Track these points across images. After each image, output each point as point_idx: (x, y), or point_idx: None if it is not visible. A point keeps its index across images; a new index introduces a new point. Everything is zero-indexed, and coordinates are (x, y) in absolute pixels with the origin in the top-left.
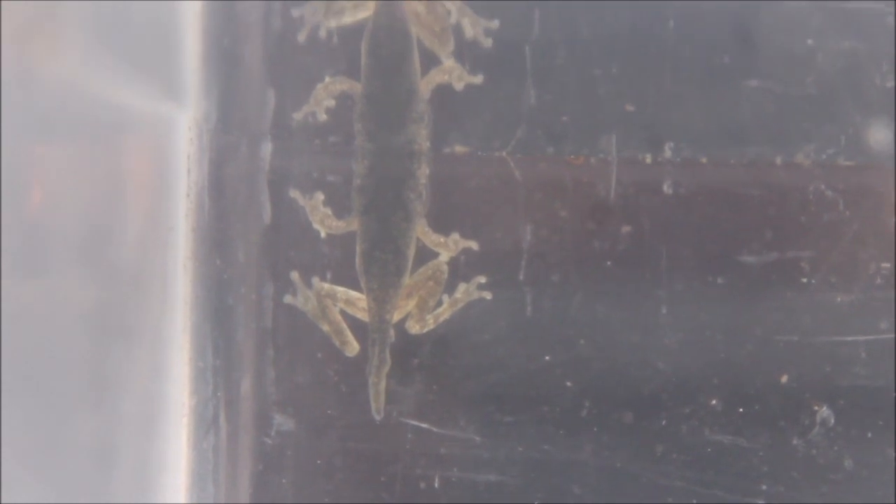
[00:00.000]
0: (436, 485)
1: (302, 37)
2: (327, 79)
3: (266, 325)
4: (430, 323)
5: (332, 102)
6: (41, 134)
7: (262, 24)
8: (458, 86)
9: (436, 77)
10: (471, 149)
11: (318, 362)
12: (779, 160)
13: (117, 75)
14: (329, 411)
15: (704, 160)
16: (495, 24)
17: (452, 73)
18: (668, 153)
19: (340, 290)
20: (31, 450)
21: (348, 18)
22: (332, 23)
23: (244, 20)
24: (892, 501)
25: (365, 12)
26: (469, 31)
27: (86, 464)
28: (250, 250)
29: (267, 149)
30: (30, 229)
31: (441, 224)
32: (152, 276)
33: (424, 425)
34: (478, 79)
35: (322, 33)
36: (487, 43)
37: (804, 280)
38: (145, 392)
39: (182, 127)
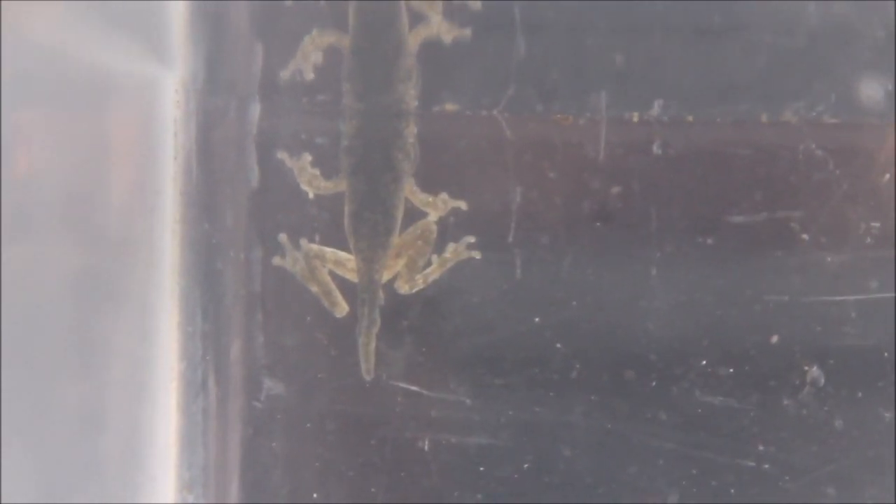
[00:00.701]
0: (426, 447)
1: None
2: (315, 31)
3: (255, 288)
4: (420, 283)
5: (319, 57)
6: (25, 98)
7: None
8: (447, 39)
9: (423, 31)
10: (460, 107)
11: (307, 325)
12: (767, 118)
13: (102, 37)
14: (319, 374)
15: (691, 119)
16: None
17: (440, 26)
18: (656, 111)
19: (329, 251)
20: (21, 415)
21: None
22: None
23: None
24: (887, 461)
25: None
26: None
27: (75, 428)
28: (238, 213)
29: (255, 110)
30: (15, 194)
31: (429, 184)
32: (140, 241)
33: (414, 388)
34: (466, 32)
35: None
36: (476, 6)
37: (794, 240)
38: (134, 356)
39: (168, 89)
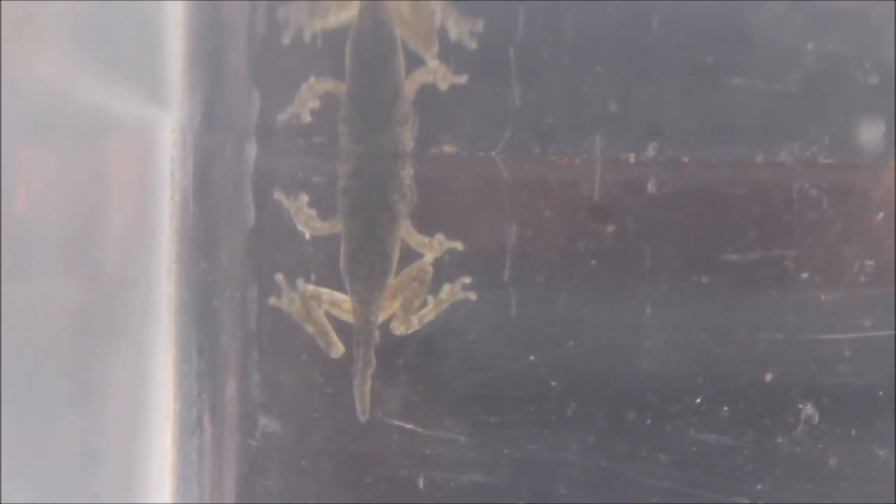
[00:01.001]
0: (421, 485)
1: (286, 38)
2: (312, 79)
3: (251, 327)
4: (415, 324)
5: (316, 103)
6: (25, 137)
7: (247, 26)
8: (443, 85)
9: (420, 77)
10: (458, 149)
11: (302, 364)
12: (763, 159)
13: (100, 77)
14: (314, 413)
15: (687, 160)
16: (480, 25)
17: (437, 72)
18: (651, 153)
19: (325, 291)
20: (17, 452)
21: (333, 19)
22: (317, 24)
23: (228, 21)
24: (882, 499)
25: (349, 13)
26: (454, 32)
27: (71, 465)
28: (235, 252)
29: (251, 150)
30: (15, 232)
31: (425, 225)
32: (137, 279)
33: (409, 426)
34: (462, 79)
35: (306, 35)
36: (472, 44)
37: (789, 278)
38: (130, 394)
39: (166, 129)
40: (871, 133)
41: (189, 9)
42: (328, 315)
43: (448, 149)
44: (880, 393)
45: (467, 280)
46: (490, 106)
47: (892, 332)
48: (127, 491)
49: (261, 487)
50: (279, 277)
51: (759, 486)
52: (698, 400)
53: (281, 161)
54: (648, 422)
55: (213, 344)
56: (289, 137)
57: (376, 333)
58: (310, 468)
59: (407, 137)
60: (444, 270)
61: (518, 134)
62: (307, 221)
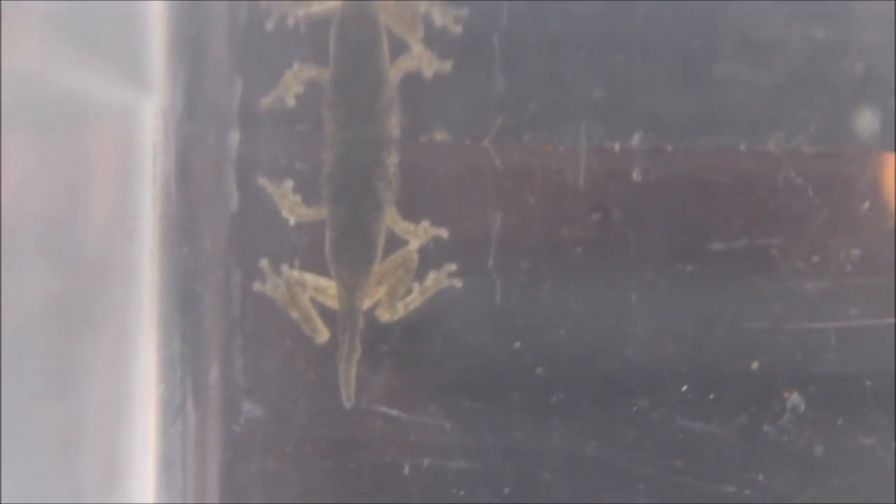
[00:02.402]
0: (406, 472)
1: (270, 25)
2: (296, 66)
3: (234, 313)
4: (401, 311)
5: (300, 89)
6: (4, 124)
7: (229, 12)
8: (428, 73)
9: (404, 64)
10: (451, 136)
11: (286, 350)
12: (747, 148)
13: (81, 63)
14: (298, 398)
15: (672, 148)
16: (464, 12)
17: (422, 59)
18: (636, 141)
19: (310, 277)
20: None
21: (316, 6)
22: (301, 11)
23: (210, 7)
24: (866, 488)
25: (333, 0)
26: (438, 19)
27: (53, 450)
28: (217, 238)
29: (234, 137)
30: None
31: (410, 212)
32: (119, 265)
33: (394, 412)
34: (447, 66)
35: (290, 21)
36: (457, 30)
37: (774, 267)
38: (112, 380)
39: (147, 115)
40: (856, 122)
41: None
42: (313, 301)
43: (440, 136)
44: (867, 382)
45: (453, 267)
46: (474, 94)
47: (878, 322)
48: (110, 475)
49: (244, 472)
50: (264, 263)
51: (745, 474)
52: (684, 388)
53: (264, 148)
54: (634, 409)
55: (196, 329)
56: (271, 124)
57: (361, 320)
58: (293, 454)
59: (392, 124)
60: (429, 257)
61: (503, 122)
62: (292, 208)
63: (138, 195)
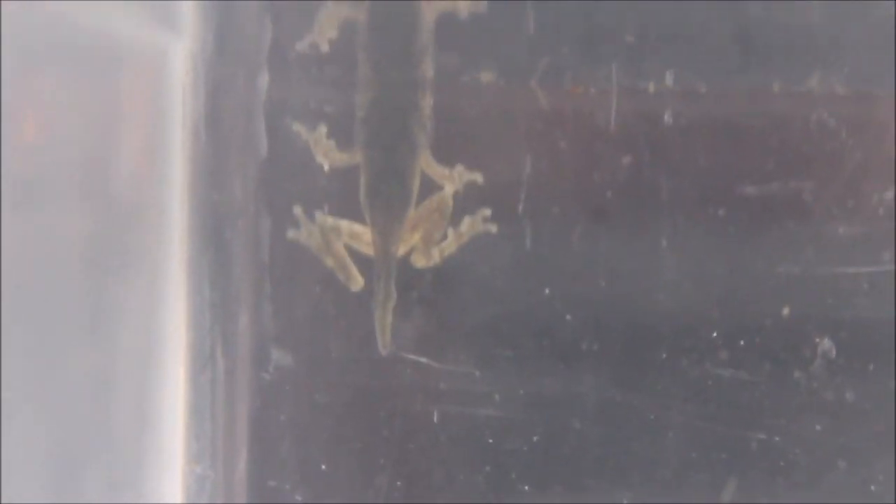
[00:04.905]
0: (435, 419)
1: None
2: (330, 4)
3: (263, 258)
4: (436, 256)
5: (334, 34)
6: (34, 66)
7: None
8: (463, 13)
9: (440, 4)
10: (496, 76)
11: (315, 297)
12: (780, 89)
13: (112, 6)
14: (328, 346)
15: (704, 89)
16: None
17: (457, 0)
18: (668, 82)
19: (344, 223)
20: (30, 383)
21: None
22: None
23: None
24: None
25: None
26: None
27: (84, 396)
28: (247, 183)
29: (264, 79)
30: (25, 162)
31: (441, 155)
32: (149, 208)
33: (423, 360)
34: (481, 6)
35: None
36: None
37: (806, 211)
38: (143, 325)
39: (178, 57)
40: (889, 63)
41: None
42: (347, 248)
43: (485, 77)
44: None
45: (487, 212)
46: (512, 35)
47: None
48: (140, 423)
49: (274, 421)
50: (298, 211)
51: (774, 421)
52: (714, 334)
53: (294, 90)
54: (664, 356)
55: (226, 276)
56: (302, 67)
57: (396, 266)
58: (323, 402)
59: (427, 66)
60: (458, 202)
61: (533, 64)
62: (326, 152)
63: (168, 139)
